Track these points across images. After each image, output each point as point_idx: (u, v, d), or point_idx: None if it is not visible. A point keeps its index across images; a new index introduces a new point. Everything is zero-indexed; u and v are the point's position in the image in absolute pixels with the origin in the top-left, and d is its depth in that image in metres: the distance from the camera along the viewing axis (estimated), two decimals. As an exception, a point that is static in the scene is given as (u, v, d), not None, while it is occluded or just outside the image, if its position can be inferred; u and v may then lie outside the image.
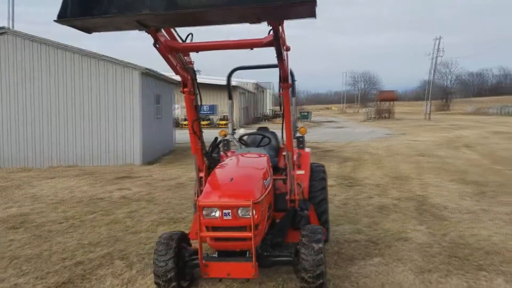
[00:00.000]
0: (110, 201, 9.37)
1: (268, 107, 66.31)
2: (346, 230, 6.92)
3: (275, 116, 60.08)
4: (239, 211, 4.17)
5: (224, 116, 39.58)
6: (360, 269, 5.30)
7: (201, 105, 5.01)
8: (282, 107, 5.01)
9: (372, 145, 21.65)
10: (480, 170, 13.50)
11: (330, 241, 6.24)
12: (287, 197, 5.17)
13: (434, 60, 58.25)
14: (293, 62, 4.95)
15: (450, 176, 12.18)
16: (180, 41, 4.23)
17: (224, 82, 33.41)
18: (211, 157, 5.34)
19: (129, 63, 14.54)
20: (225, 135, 6.46)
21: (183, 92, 4.79)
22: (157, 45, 3.86)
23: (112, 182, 11.70)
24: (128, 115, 14.65)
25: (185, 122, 38.78)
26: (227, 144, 6.53)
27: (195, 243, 4.82)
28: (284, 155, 6.12)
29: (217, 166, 5.06)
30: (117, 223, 7.59)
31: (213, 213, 4.20)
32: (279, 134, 6.68)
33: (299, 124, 6.67)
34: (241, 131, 6.24)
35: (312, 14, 2.95)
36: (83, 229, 7.26)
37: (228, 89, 6.80)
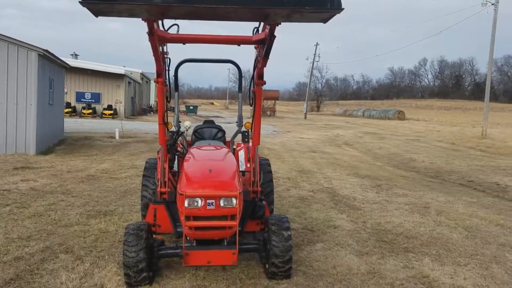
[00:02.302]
0: (19, 193, 8.52)
1: (154, 99, 64.50)
2: (281, 220, 7.36)
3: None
4: (221, 201, 4.31)
5: (109, 105, 37.62)
6: (309, 254, 5.77)
7: (169, 98, 5.03)
8: (253, 103, 5.23)
9: (267, 141, 22.68)
10: (367, 166, 15.16)
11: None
12: (250, 188, 5.40)
13: (312, 64, 62.52)
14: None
15: (345, 171, 13.48)
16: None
17: (111, 70, 31.77)
18: (172, 147, 5.34)
19: (25, 43, 13.18)
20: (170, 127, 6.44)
21: (157, 82, 4.75)
22: (152, 35, 3.82)
23: (12, 172, 10.58)
24: (22, 100, 13.28)
25: (85, 111, 36.08)
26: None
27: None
28: (234, 149, 6.34)
29: (186, 158, 5.09)
30: (40, 216, 7.01)
31: (196, 203, 4.27)
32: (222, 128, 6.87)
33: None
34: (187, 123, 6.21)
35: (326, 21, 3.26)
36: (3, 223, 6.57)
37: (175, 81, 6.73)
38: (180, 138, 6.35)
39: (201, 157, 5.09)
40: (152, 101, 61.53)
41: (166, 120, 5.01)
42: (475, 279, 5.20)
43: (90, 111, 36.47)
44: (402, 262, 5.64)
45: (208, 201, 4.27)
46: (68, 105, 35.86)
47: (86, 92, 37.69)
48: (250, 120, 6.50)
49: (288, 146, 20.84)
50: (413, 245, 6.35)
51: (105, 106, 37.65)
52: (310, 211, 8.10)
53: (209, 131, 6.41)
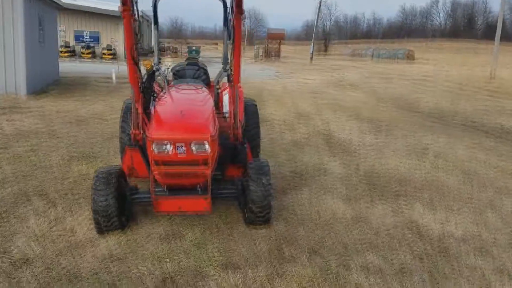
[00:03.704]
0: (2, 134, 8.27)
1: (154, 41, 62.85)
2: (270, 164, 7.06)
3: (163, 49, 57.46)
4: (193, 146, 3.98)
5: (108, 46, 36.63)
6: (293, 199, 5.52)
7: (140, 34, 4.55)
8: (232, 36, 4.76)
9: (268, 83, 22.11)
10: (369, 108, 14.69)
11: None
12: (231, 132, 5.05)
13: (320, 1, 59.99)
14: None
15: (345, 113, 13.05)
16: None
17: (109, 7, 30.29)
18: (146, 87, 4.94)
19: (8, -24, 12.42)
20: (152, 67, 5.99)
21: (121, 12, 4.25)
22: None
23: (-2, 113, 10.30)
24: (9, 39, 12.73)
25: (85, 51, 35.04)
26: (154, 76, 6.07)
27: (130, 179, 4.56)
28: (217, 89, 5.94)
29: (159, 99, 4.72)
30: (20, 158, 6.78)
31: (165, 148, 3.95)
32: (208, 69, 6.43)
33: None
34: (168, 63, 5.80)
35: None
36: (-20, 165, 6.35)
37: (154, 14, 6.19)
38: (160, 78, 5.94)
39: (174, 98, 4.71)
40: (153, 43, 60.01)
41: (135, 56, 4.56)
42: (466, 225, 4.94)
43: (89, 50, 35.61)
44: (391, 208, 5.37)
45: (177, 145, 3.94)
46: (66, 45, 35.02)
47: (85, 31, 36.60)
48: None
49: (289, 89, 20.27)
50: (405, 190, 6.07)
51: (104, 46, 36.68)
52: (301, 155, 7.80)
53: (190, 71, 5.97)
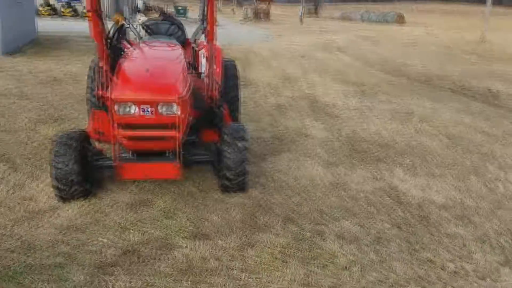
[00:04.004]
0: (-32, 96, 7.86)
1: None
2: (250, 128, 6.78)
3: (148, 9, 55.68)
4: (161, 108, 3.69)
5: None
6: (271, 164, 5.30)
7: None
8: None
9: (256, 46, 21.51)
10: (356, 72, 14.36)
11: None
12: (206, 94, 4.74)
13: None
14: None
15: (331, 77, 12.73)
16: None
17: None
18: (113, 45, 4.57)
19: None
20: (119, 21, 5.57)
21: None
22: None
23: (-34, 74, 9.80)
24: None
25: (65, 10, 33.50)
26: (124, 32, 5.67)
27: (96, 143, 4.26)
28: (193, 47, 5.58)
29: (124, 56, 4.36)
30: (-15, 121, 6.42)
31: (128, 109, 3.65)
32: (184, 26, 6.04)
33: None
34: (142, 18, 5.40)
35: None
36: None
37: None
38: (133, 35, 5.57)
39: (142, 55, 4.36)
40: (137, 2, 58.15)
41: (97, 8, 4.16)
42: (448, 192, 4.79)
43: (70, 9, 34.24)
44: (371, 173, 5.19)
45: (143, 107, 3.65)
46: (47, 4, 33.60)
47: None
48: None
49: (277, 52, 19.74)
50: (386, 155, 5.88)
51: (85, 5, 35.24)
52: (284, 119, 7.54)
53: (163, 26, 5.57)
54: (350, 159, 5.64)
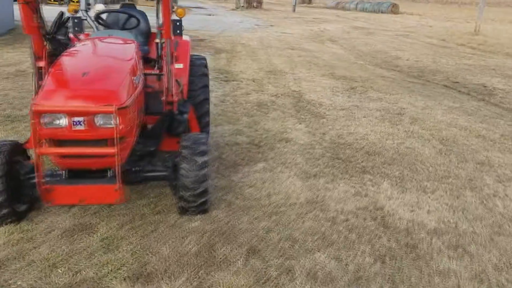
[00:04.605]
0: None
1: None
2: (226, 132, 6.21)
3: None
4: (97, 119, 3.07)
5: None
6: (244, 177, 4.70)
7: None
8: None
9: (245, 36, 20.79)
10: (346, 65, 13.75)
11: (210, 146, 5.49)
12: (163, 97, 4.11)
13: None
14: None
15: (320, 71, 12.11)
16: None
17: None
18: (55, 39, 3.92)
19: None
20: (76, 11, 4.89)
21: None
22: None
23: None
24: None
25: None
26: (79, 24, 5.00)
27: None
28: (157, 43, 4.96)
29: (64, 54, 3.72)
30: None
31: (58, 121, 3.03)
32: (149, 16, 5.38)
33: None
34: (100, 7, 4.76)
35: None
36: None
37: None
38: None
39: (82, 54, 3.71)
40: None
41: None
42: (441, 212, 4.21)
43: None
44: (354, 188, 4.60)
45: (74, 119, 3.02)
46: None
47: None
48: (182, 5, 5.07)
49: (266, 43, 19.05)
50: (373, 164, 5.30)
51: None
52: (264, 121, 6.92)
53: (119, 18, 4.90)
54: (332, 170, 5.05)
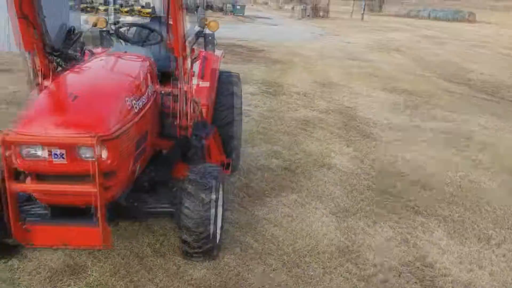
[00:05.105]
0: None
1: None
2: (261, 153, 5.65)
3: (207, 7, 55.64)
4: (82, 151, 2.62)
5: (146, 3, 35.40)
6: (269, 213, 4.10)
7: None
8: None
9: (305, 46, 20.17)
10: (410, 78, 12.68)
11: (239, 170, 4.96)
12: (177, 121, 3.61)
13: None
14: None
15: (380, 84, 11.19)
16: None
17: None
18: (65, 55, 3.57)
19: None
20: (95, 24, 4.58)
21: None
22: None
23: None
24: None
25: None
26: (106, 37, 4.68)
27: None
28: (194, 59, 4.54)
29: (64, 72, 3.36)
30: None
31: (36, 152, 2.62)
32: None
33: (208, 18, 4.89)
34: (128, 19, 4.38)
35: None
36: None
37: None
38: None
39: (81, 73, 3.32)
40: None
41: (38, 10, 3.14)
42: (508, 275, 3.35)
43: (128, 9, 34.54)
44: (400, 234, 3.84)
45: (53, 150, 2.60)
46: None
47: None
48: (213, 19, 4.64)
49: (326, 53, 18.28)
50: (428, 202, 4.48)
51: (143, 4, 35.54)
52: (307, 141, 6.28)
53: (140, 32, 4.51)
54: (377, 208, 4.30)
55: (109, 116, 2.75)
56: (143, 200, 3.26)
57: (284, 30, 32.17)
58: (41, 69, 3.42)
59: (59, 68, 3.54)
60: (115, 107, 2.84)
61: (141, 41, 4.30)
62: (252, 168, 5.15)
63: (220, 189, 3.28)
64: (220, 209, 3.32)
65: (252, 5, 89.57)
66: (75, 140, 2.55)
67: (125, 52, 3.83)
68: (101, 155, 2.61)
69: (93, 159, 2.59)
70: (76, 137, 2.56)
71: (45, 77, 3.46)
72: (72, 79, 3.20)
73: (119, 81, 3.17)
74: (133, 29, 4.63)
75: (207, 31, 4.77)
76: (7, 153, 2.57)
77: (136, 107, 3.05)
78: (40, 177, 2.70)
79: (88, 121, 2.65)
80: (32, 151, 2.60)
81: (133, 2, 36.16)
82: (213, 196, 3.06)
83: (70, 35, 3.63)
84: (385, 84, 11.18)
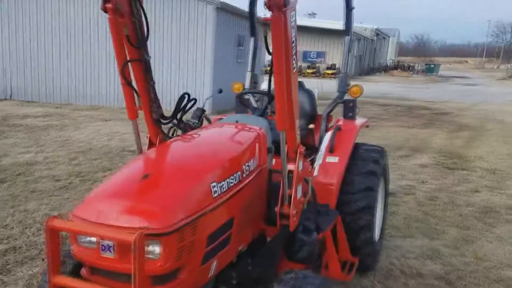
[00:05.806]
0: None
1: (389, 56, 60.83)
2: (414, 250, 4.42)
3: (396, 67, 54.52)
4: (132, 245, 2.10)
5: (332, 64, 36.30)
6: None
7: (147, 35, 2.86)
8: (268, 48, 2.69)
9: (504, 110, 17.35)
10: None
11: (375, 270, 3.89)
12: (277, 208, 2.86)
13: None
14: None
15: None
16: None
17: (335, 26, 29.90)
18: (181, 124, 3.27)
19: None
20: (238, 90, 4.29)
21: (105, 10, 2.69)
22: None
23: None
24: (200, 55, 13.04)
25: (309, 71, 35.36)
26: (237, 104, 4.30)
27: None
28: (311, 129, 3.88)
29: (161, 143, 3.02)
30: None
31: (89, 243, 2.21)
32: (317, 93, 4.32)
33: (353, 82, 4.12)
34: (263, 84, 3.98)
35: None
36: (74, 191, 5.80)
37: (251, 21, 4.47)
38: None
39: (172, 146, 2.86)
40: (386, 60, 57.81)
41: (126, 77, 2.89)
42: None
43: (314, 70, 35.91)
44: None
45: (101, 241, 2.14)
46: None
47: (312, 52, 37.37)
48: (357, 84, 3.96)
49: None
50: None
51: (329, 65, 36.58)
52: (484, 240, 4.76)
53: (261, 99, 3.98)
54: None
55: (173, 202, 2.17)
56: None
57: (481, 90, 28.78)
58: (149, 137, 3.17)
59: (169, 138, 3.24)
60: (186, 190, 2.26)
61: (261, 110, 3.78)
62: (395, 270, 3.98)
63: None
64: None
65: (450, 64, 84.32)
66: (113, 234, 2.05)
67: (236, 121, 3.32)
68: (147, 254, 2.04)
69: (148, 257, 2.04)
70: (117, 230, 2.05)
71: (152, 146, 3.19)
72: (158, 152, 2.80)
73: (205, 158, 2.62)
74: (256, 96, 4.19)
75: (347, 97, 4.06)
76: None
77: (218, 190, 2.43)
78: (94, 270, 2.27)
79: (142, 209, 2.12)
80: (87, 240, 2.20)
81: (318, 63, 37.46)
82: None
83: (184, 102, 3.30)
84: None
